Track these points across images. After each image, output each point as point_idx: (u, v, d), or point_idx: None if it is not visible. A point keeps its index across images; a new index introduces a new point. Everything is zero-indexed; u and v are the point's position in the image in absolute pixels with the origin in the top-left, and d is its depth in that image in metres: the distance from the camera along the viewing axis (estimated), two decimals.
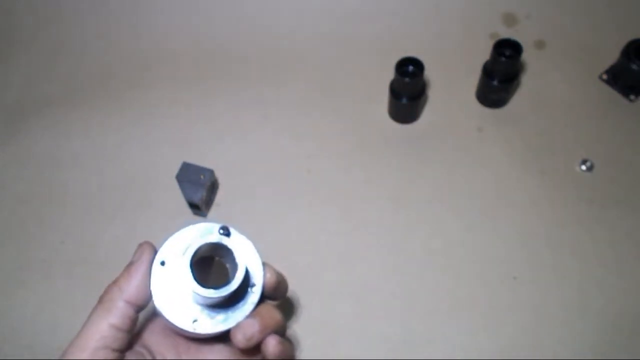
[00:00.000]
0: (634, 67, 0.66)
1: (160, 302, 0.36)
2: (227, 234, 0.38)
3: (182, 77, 0.74)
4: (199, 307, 0.37)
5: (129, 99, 0.72)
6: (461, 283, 0.58)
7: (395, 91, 0.65)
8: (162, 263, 0.37)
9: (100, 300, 0.36)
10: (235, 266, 0.36)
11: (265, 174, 0.66)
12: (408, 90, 0.65)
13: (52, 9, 0.79)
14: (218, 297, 0.35)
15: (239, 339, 0.37)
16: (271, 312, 0.39)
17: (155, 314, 0.40)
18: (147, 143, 0.69)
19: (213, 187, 0.64)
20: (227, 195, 0.65)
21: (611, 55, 0.70)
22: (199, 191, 0.59)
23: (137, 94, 0.73)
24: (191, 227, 0.39)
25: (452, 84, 0.71)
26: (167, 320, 0.36)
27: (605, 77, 0.71)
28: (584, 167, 0.64)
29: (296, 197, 0.64)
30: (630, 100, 0.69)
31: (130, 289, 0.36)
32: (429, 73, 0.66)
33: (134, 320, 0.37)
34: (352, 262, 0.60)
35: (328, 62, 0.74)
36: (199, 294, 0.34)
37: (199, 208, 0.61)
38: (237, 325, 0.37)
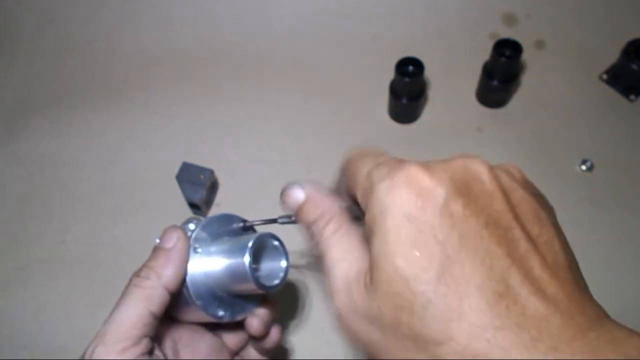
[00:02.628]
0: (634, 67, 0.66)
1: (193, 289, 0.36)
2: (251, 229, 0.41)
3: (182, 77, 0.74)
4: (220, 295, 0.38)
5: (129, 99, 0.72)
6: None
7: (395, 91, 0.65)
8: (195, 250, 0.37)
9: (138, 285, 0.34)
10: (270, 260, 0.38)
11: (265, 174, 0.66)
12: (408, 90, 0.65)
13: (53, 9, 0.79)
14: (269, 289, 0.36)
15: (257, 326, 0.39)
16: (274, 304, 0.42)
17: None
18: (147, 143, 0.69)
19: (213, 187, 0.64)
20: (227, 195, 0.64)
21: (611, 55, 0.70)
22: (199, 191, 0.59)
23: (137, 94, 0.73)
24: (213, 216, 0.40)
25: (452, 84, 0.71)
26: (195, 307, 0.36)
27: (605, 77, 0.70)
28: (584, 167, 0.64)
29: None
30: (630, 100, 0.69)
31: (169, 275, 0.35)
32: (429, 73, 0.66)
33: (166, 308, 0.36)
34: None
35: (328, 62, 0.74)
36: (254, 284, 0.35)
37: (199, 208, 0.61)
38: (255, 314, 0.39)
